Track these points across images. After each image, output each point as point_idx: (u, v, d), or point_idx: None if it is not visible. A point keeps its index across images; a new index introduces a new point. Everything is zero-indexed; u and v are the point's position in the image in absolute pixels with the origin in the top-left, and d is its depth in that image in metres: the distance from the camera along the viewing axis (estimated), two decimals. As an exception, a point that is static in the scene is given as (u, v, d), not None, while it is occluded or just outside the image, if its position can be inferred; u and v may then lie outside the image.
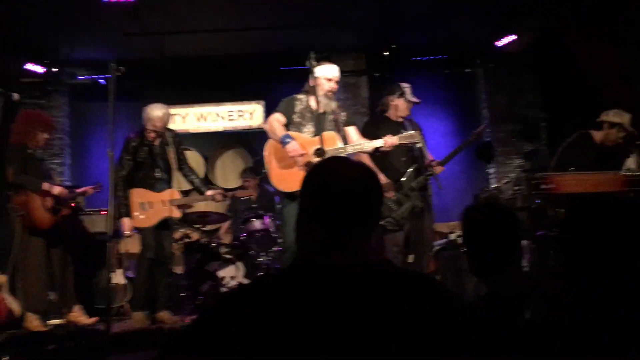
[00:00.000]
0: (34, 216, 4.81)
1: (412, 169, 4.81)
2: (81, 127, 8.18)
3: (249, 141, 8.22)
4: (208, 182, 7.77)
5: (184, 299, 5.87)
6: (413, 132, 4.47)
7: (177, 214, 5.08)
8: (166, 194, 5.03)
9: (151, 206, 4.97)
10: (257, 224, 6.05)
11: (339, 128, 4.47)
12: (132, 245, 6.17)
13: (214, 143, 8.28)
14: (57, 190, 4.91)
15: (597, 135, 4.93)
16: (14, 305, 4.88)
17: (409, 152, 4.86)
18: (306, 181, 1.40)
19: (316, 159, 4.21)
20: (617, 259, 1.61)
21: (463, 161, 7.48)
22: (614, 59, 6.11)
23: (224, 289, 5.75)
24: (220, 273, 5.90)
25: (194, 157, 7.82)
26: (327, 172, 1.39)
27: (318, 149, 4.18)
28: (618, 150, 4.82)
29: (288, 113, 4.42)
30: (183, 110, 8.03)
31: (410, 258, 4.75)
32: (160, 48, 7.40)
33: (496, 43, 7.43)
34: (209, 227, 6.83)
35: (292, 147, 4.18)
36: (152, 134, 4.97)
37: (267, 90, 7.90)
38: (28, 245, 4.87)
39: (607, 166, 4.53)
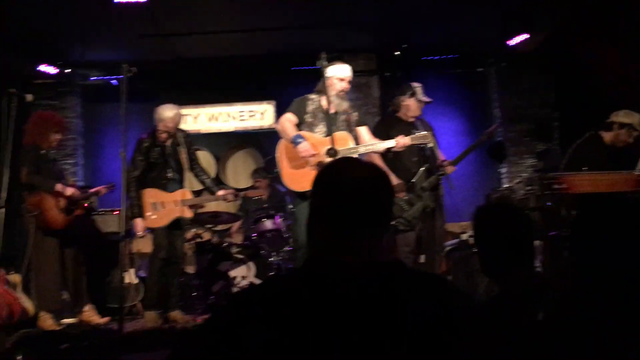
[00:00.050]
0: (47, 216, 4.85)
1: (423, 169, 4.79)
2: (94, 127, 8.24)
3: (260, 141, 8.23)
4: (219, 182, 7.80)
5: (196, 299, 5.90)
6: (425, 132, 4.45)
7: (188, 214, 5.09)
8: (178, 194, 5.05)
9: (163, 206, 4.99)
10: (268, 223, 6.06)
11: (350, 128, 4.47)
12: (144, 245, 6.21)
13: (225, 143, 8.31)
14: (69, 191, 4.95)
15: (607, 136, 4.89)
16: (28, 304, 4.92)
17: (420, 152, 4.84)
18: (317, 181, 1.40)
19: (328, 159, 4.21)
20: (630, 260, 1.60)
21: (475, 161, 7.46)
22: (623, 60, 6.06)
23: (235, 289, 5.77)
24: (232, 273, 5.92)
25: (205, 157, 7.85)
26: (337, 172, 1.39)
27: (330, 149, 4.18)
28: (628, 150, 4.78)
29: (300, 113, 4.42)
30: (194, 110, 8.06)
31: (422, 258, 4.74)
32: (172, 49, 7.44)
33: (508, 42, 7.39)
34: (220, 227, 6.85)
35: (304, 147, 4.18)
36: (164, 135, 4.99)
37: (278, 91, 7.92)
38: (41, 245, 4.91)
39: (617, 167, 4.50)
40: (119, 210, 6.05)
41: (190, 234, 6.21)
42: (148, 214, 4.95)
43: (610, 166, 4.55)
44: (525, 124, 8.10)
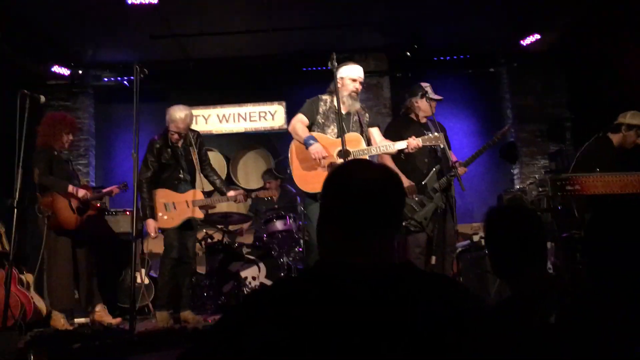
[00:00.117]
0: (60, 217, 4.88)
1: (435, 170, 4.77)
2: (106, 128, 8.30)
3: (271, 142, 8.26)
4: (230, 182, 7.82)
5: (207, 299, 5.91)
6: (437, 134, 4.43)
7: (199, 214, 5.10)
8: (189, 195, 5.06)
9: (174, 207, 5.00)
10: (278, 224, 6.07)
11: (362, 129, 4.46)
12: (155, 245, 6.24)
13: (236, 144, 8.34)
14: (81, 193, 4.98)
15: (615, 137, 4.86)
16: (41, 304, 4.97)
17: (432, 153, 4.83)
18: (328, 182, 1.40)
19: (339, 160, 4.21)
20: (644, 262, 1.59)
21: (487, 162, 7.44)
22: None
23: (246, 289, 5.78)
24: (243, 273, 5.93)
25: (216, 158, 7.88)
26: (348, 173, 1.39)
27: (342, 150, 4.17)
28: (637, 152, 4.74)
29: (312, 114, 4.42)
30: (206, 111, 8.09)
31: (433, 259, 4.71)
32: (183, 50, 7.47)
33: (521, 42, 7.35)
34: (231, 228, 6.87)
35: (315, 149, 4.17)
36: (175, 136, 5.01)
37: (289, 91, 7.94)
38: (54, 245, 4.95)
39: (627, 168, 4.47)
40: (130, 211, 6.10)
41: (201, 234, 6.23)
42: (160, 214, 4.96)
43: (619, 168, 4.52)
44: (537, 124, 8.06)
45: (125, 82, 7.96)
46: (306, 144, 4.21)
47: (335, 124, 4.35)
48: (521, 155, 7.98)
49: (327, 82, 4.52)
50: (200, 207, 5.09)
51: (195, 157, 5.11)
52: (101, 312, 5.16)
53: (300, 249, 6.06)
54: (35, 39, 6.80)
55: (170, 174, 5.05)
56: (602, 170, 4.46)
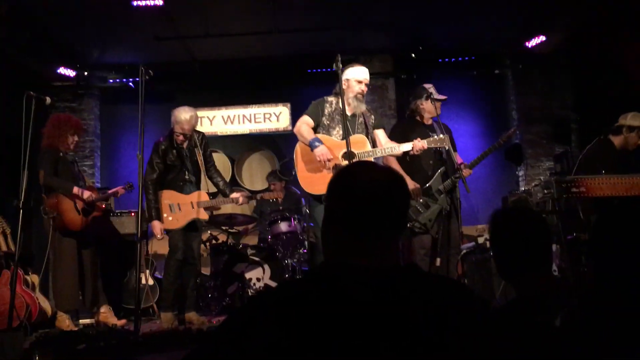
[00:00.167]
0: (65, 218, 4.90)
1: (440, 172, 4.77)
2: (111, 129, 8.32)
3: (276, 143, 8.26)
4: (235, 184, 7.83)
5: (211, 300, 5.92)
6: (442, 136, 4.43)
7: (204, 215, 5.11)
8: (194, 196, 5.07)
9: (179, 208, 5.01)
10: (283, 226, 6.07)
11: (368, 131, 4.46)
12: (160, 246, 6.25)
13: (241, 145, 8.35)
14: (86, 194, 4.99)
15: (617, 140, 4.85)
16: (46, 305, 4.98)
17: (437, 155, 4.82)
18: (333, 184, 1.40)
19: (345, 162, 4.20)
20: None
21: (491, 163, 7.42)
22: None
23: (250, 291, 5.78)
24: (247, 275, 5.93)
25: (221, 159, 7.89)
26: (353, 175, 1.39)
27: (347, 152, 4.17)
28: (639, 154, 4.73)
29: (317, 116, 4.42)
30: (210, 112, 8.10)
31: (438, 261, 4.71)
32: (189, 51, 7.49)
33: (526, 43, 7.34)
34: (235, 229, 6.88)
35: (320, 151, 4.17)
36: (181, 137, 5.02)
37: (294, 93, 7.95)
38: (60, 246, 4.96)
39: (630, 170, 4.45)
40: (135, 212, 6.11)
41: (205, 235, 6.24)
42: (164, 215, 4.97)
43: (621, 170, 4.51)
44: (542, 126, 8.03)
45: (130, 83, 7.99)
46: (311, 146, 4.21)
47: (340, 125, 4.35)
48: (526, 157, 7.96)
49: (331, 83, 4.52)
50: (205, 209, 5.10)
51: (200, 159, 5.12)
52: (106, 313, 5.18)
53: (305, 251, 6.06)
54: (41, 41, 6.82)
55: (175, 176, 5.06)
56: (605, 173, 4.45)
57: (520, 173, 8.10)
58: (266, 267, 6.04)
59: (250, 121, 8.14)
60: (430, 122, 4.94)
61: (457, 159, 4.85)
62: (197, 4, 6.28)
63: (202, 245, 5.90)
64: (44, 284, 5.26)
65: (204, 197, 5.10)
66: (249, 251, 6.16)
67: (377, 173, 1.37)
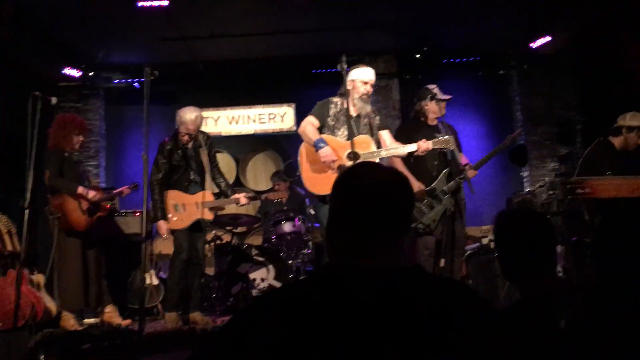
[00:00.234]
0: (70, 218, 4.91)
1: (444, 173, 4.76)
2: (116, 129, 8.34)
3: (280, 144, 8.27)
4: (239, 184, 7.85)
5: (216, 300, 5.92)
6: (447, 137, 4.43)
7: (209, 215, 5.11)
8: (199, 196, 5.07)
9: (184, 208, 5.02)
10: (287, 226, 6.07)
11: (372, 132, 4.46)
12: (165, 247, 6.26)
13: (246, 146, 8.36)
14: (91, 194, 5.00)
15: (617, 141, 4.83)
16: (51, 304, 4.99)
17: (441, 156, 4.82)
18: (337, 185, 1.40)
19: (349, 163, 4.21)
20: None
21: (496, 164, 7.40)
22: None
23: (254, 291, 5.78)
24: (251, 275, 5.94)
25: (225, 160, 7.90)
26: (357, 176, 1.39)
27: (351, 153, 4.17)
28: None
29: (322, 116, 4.43)
30: (215, 113, 8.11)
31: (442, 262, 4.70)
32: (193, 52, 7.50)
33: (531, 44, 7.32)
34: (239, 230, 6.89)
35: (325, 152, 4.17)
36: (186, 137, 5.02)
37: (298, 93, 7.96)
38: (65, 246, 4.97)
39: (632, 171, 4.44)
40: (140, 212, 6.12)
41: (210, 235, 6.24)
42: (169, 215, 4.98)
43: (623, 171, 4.49)
44: (547, 127, 8.01)
45: (135, 84, 8.01)
46: (316, 146, 4.21)
47: (345, 126, 4.35)
48: (531, 158, 7.94)
49: (336, 84, 4.53)
50: (210, 209, 5.10)
51: (205, 159, 5.13)
52: (111, 313, 5.18)
53: (309, 251, 6.06)
54: (46, 42, 6.84)
55: (180, 176, 5.07)
56: (605, 175, 4.44)
57: (525, 174, 8.08)
58: (270, 267, 6.04)
59: (254, 122, 8.14)
60: (435, 122, 4.93)
61: (463, 159, 4.84)
62: (202, 5, 6.29)
63: (207, 246, 5.90)
64: (49, 283, 5.27)
65: (209, 197, 5.10)
66: (253, 251, 6.16)
67: (381, 174, 1.38)
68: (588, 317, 1.63)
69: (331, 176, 4.18)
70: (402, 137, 4.70)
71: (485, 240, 5.80)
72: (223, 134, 8.07)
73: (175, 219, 4.99)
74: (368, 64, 4.64)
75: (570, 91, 8.01)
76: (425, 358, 1.15)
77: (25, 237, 4.07)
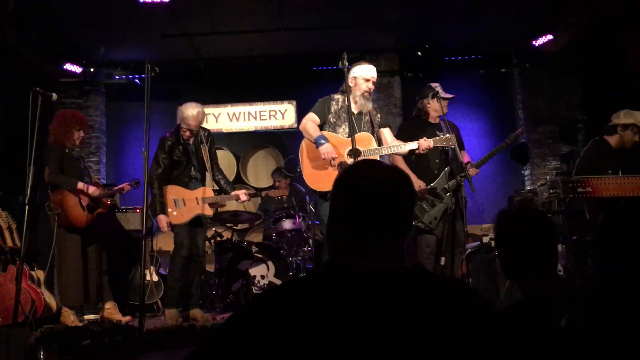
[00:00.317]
0: (70, 214, 4.91)
1: (445, 172, 4.76)
2: (117, 126, 8.34)
3: (281, 141, 8.27)
4: (240, 181, 7.84)
5: (216, 297, 5.93)
6: (448, 135, 4.42)
7: (209, 211, 5.11)
8: (199, 192, 5.07)
9: (184, 203, 5.02)
10: (288, 223, 6.07)
11: (374, 129, 4.45)
12: (165, 243, 6.26)
13: (246, 142, 8.36)
14: (91, 190, 5.00)
15: (613, 139, 4.83)
16: (51, 300, 5.00)
17: (442, 154, 4.81)
18: (337, 182, 1.39)
19: (350, 160, 4.20)
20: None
21: (497, 163, 7.39)
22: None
23: (254, 288, 5.79)
24: (252, 272, 5.94)
25: (226, 157, 7.90)
26: (358, 174, 1.38)
27: (352, 150, 4.17)
28: (638, 151, 4.70)
29: (323, 113, 4.42)
30: (216, 110, 8.11)
31: (442, 260, 4.70)
32: (195, 49, 7.49)
33: (533, 42, 7.30)
34: (240, 227, 6.89)
35: (325, 149, 4.17)
36: (187, 133, 5.02)
37: (299, 91, 7.96)
38: (65, 242, 4.98)
39: (630, 170, 4.43)
40: (140, 208, 6.12)
41: (210, 232, 6.24)
42: (169, 210, 4.98)
43: (622, 170, 4.49)
44: (549, 125, 8.00)
45: (136, 80, 8.00)
46: (317, 143, 4.21)
47: (346, 123, 4.34)
48: (532, 156, 7.93)
49: (337, 81, 4.52)
50: (210, 205, 5.10)
51: (206, 155, 5.12)
52: (111, 309, 5.19)
53: (309, 248, 6.06)
54: (47, 38, 6.84)
55: (181, 172, 5.07)
56: (603, 174, 4.43)
57: (526, 172, 8.07)
58: (270, 264, 6.04)
59: (255, 118, 8.14)
60: (437, 120, 4.93)
61: (464, 158, 4.84)
62: (203, 2, 6.29)
63: (207, 242, 5.90)
64: (49, 279, 5.28)
65: (209, 193, 5.10)
66: (254, 248, 6.16)
67: (382, 172, 1.36)
68: (589, 317, 1.62)
69: (332, 173, 4.18)
70: (404, 135, 4.69)
71: (486, 239, 5.78)
72: (224, 130, 8.07)
73: (175, 213, 4.98)
74: (369, 62, 4.63)
75: (572, 90, 7.99)
76: (425, 358, 1.14)
77: (25, 233, 4.06)
